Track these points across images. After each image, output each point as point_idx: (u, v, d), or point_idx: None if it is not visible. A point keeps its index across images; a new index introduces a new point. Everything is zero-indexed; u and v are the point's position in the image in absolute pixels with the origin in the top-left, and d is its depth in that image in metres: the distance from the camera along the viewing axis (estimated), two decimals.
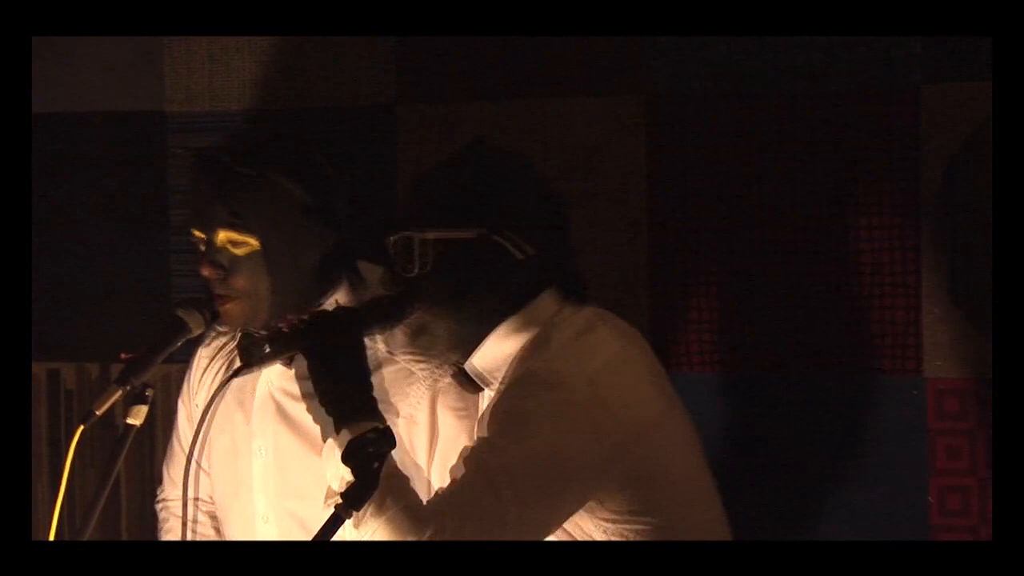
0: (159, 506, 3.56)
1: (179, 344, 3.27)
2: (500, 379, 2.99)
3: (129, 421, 3.18)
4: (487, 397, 3.07)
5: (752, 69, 3.72)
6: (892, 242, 3.67)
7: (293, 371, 3.19)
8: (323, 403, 2.89)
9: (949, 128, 3.61)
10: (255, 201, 3.15)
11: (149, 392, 3.18)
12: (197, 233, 3.21)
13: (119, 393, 3.14)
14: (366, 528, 2.77)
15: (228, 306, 3.20)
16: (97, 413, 3.12)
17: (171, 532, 3.47)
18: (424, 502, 2.80)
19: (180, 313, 3.26)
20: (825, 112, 3.69)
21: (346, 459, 2.80)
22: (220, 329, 3.35)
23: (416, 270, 2.96)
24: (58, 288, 4.15)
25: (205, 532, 3.44)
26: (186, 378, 3.49)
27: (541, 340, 2.94)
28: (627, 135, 3.77)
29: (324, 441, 2.91)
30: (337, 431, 2.85)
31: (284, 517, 3.27)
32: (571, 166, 3.78)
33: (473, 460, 2.81)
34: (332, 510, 2.74)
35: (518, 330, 2.96)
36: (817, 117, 3.70)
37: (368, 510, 2.76)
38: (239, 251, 3.17)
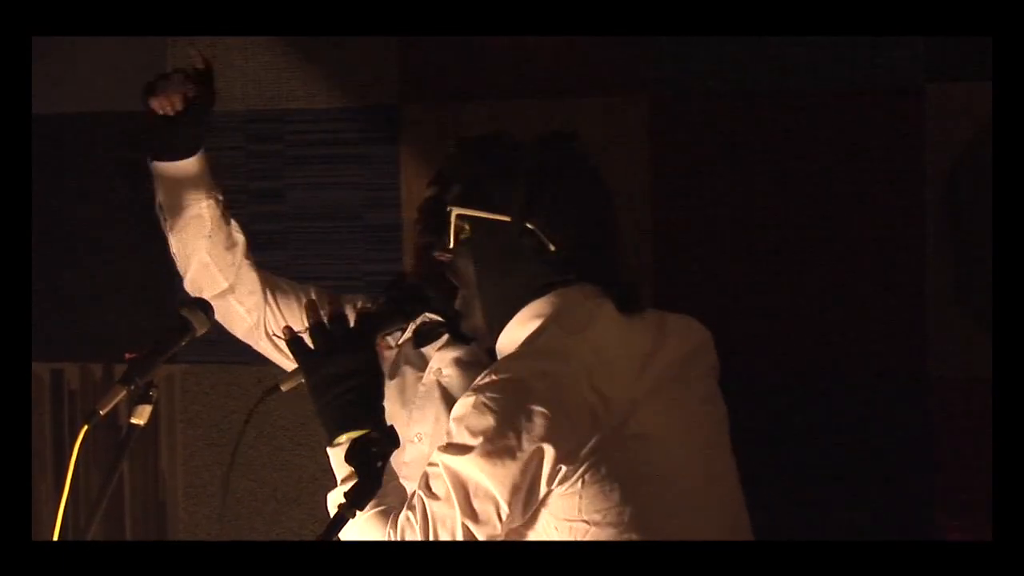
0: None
1: (183, 344, 3.27)
2: None
3: (133, 421, 3.17)
4: None
5: (755, 69, 3.72)
6: (896, 242, 3.67)
7: (455, 356, 3.21)
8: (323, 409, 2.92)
9: (953, 128, 3.61)
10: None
11: (153, 392, 3.16)
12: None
13: (123, 393, 3.13)
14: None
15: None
16: (101, 413, 3.11)
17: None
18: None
19: (184, 313, 3.25)
20: (829, 112, 3.69)
21: (349, 459, 2.81)
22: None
23: (450, 245, 2.98)
24: (61, 288, 4.16)
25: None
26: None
27: (544, 326, 2.93)
28: (630, 135, 3.77)
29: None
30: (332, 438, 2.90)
31: None
32: None
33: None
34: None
35: (534, 316, 2.95)
36: (821, 117, 3.70)
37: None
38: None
